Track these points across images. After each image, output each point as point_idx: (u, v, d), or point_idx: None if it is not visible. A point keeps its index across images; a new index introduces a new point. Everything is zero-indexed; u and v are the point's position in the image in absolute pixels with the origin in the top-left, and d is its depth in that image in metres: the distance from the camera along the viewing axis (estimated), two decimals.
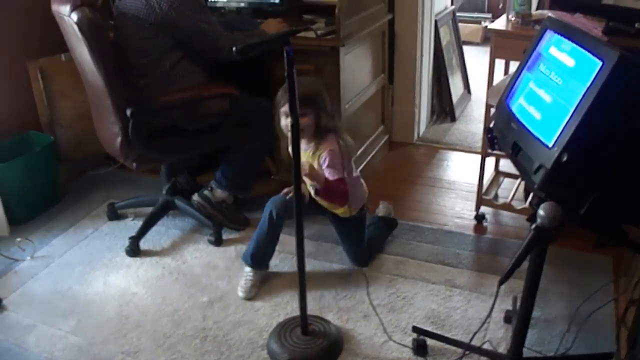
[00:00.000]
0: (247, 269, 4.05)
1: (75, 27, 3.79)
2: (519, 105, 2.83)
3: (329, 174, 3.77)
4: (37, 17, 4.88)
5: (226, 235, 4.54)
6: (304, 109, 3.48)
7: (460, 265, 4.16)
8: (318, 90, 3.75)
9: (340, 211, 4.04)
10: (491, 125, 3.09)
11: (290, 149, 3.47)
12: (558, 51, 2.70)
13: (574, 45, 2.59)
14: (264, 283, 4.08)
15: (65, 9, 3.83)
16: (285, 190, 3.92)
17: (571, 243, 4.16)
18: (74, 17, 3.77)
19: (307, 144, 3.84)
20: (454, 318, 3.70)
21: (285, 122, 3.67)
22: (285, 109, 3.60)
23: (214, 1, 5.08)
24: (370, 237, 4.30)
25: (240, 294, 3.99)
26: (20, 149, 4.90)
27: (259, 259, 4.05)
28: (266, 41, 3.15)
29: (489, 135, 3.08)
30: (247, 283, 4.01)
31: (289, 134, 3.33)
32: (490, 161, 4.74)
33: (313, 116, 3.71)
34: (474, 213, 4.61)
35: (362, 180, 4.18)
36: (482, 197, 4.58)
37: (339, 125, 3.91)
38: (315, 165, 3.79)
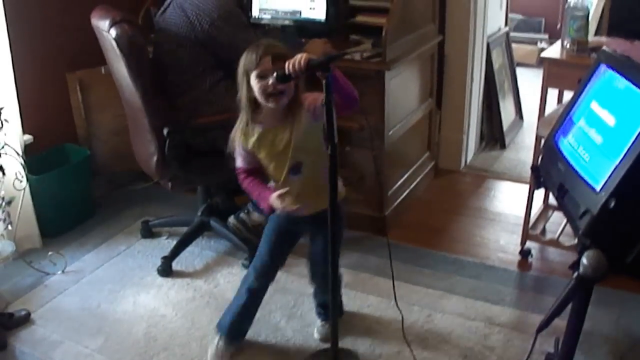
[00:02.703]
0: (218, 340, 3.65)
1: (114, 43, 3.74)
2: (568, 144, 2.72)
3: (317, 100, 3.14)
4: (77, 29, 4.81)
5: None
6: (282, 61, 2.99)
7: (502, 302, 4.02)
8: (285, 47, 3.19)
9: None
10: (538, 163, 2.98)
11: (240, 129, 3.21)
12: (611, 88, 2.58)
13: (629, 83, 2.48)
14: (297, 309, 4.01)
15: (104, 24, 3.79)
16: (277, 204, 3.18)
17: (619, 283, 3.99)
18: (113, 33, 3.73)
19: (280, 116, 3.20)
20: (491, 358, 3.58)
21: (262, 83, 3.07)
22: (263, 67, 3.05)
23: (259, 18, 4.99)
24: None
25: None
26: (56, 162, 4.88)
27: (236, 331, 3.68)
28: (308, 67, 3.05)
29: (535, 174, 2.97)
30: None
31: (269, 100, 3.07)
32: (538, 193, 4.58)
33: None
34: (519, 248, 4.45)
35: None
36: (529, 232, 4.43)
37: None
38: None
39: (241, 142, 3.24)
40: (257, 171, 3.33)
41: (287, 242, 3.59)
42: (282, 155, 3.22)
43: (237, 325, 3.60)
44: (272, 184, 3.35)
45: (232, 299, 3.65)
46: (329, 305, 3.38)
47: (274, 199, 3.15)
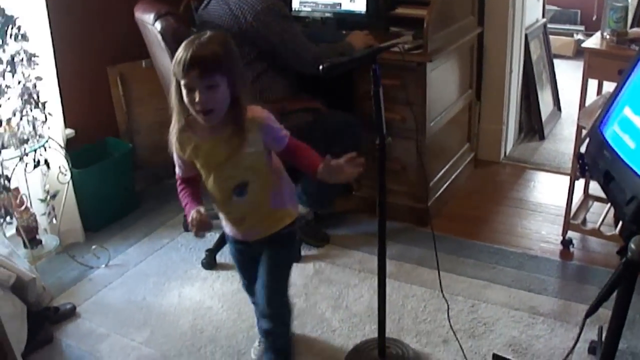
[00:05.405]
0: (259, 341, 3.62)
1: (159, 36, 3.78)
2: (613, 132, 2.71)
3: (283, 138, 2.95)
4: (118, 23, 4.89)
5: (305, 251, 4.46)
6: (213, 75, 2.65)
7: (545, 292, 4.01)
8: (228, 47, 2.78)
9: (287, 219, 3.12)
10: (583, 151, 2.97)
11: (175, 135, 2.82)
12: None
13: None
14: (342, 301, 4.02)
15: (149, 18, 3.82)
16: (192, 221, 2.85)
17: None
18: (158, 26, 3.76)
19: (220, 126, 2.80)
20: (536, 347, 3.58)
21: (190, 97, 2.68)
22: (189, 79, 2.65)
23: (298, 11, 5.01)
24: None
25: (253, 356, 3.63)
26: (97, 156, 4.92)
27: None
28: (353, 60, 3.07)
29: (580, 162, 2.96)
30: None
31: (198, 115, 2.69)
32: (579, 183, 4.57)
33: (227, 84, 2.71)
34: (561, 238, 4.44)
35: None
36: (570, 222, 4.42)
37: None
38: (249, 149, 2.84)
39: (177, 149, 2.89)
40: (194, 180, 3.02)
41: (248, 262, 3.23)
42: (222, 169, 2.89)
43: None
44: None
45: None
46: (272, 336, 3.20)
47: (192, 213, 2.82)
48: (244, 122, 2.77)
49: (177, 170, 3.01)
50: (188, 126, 2.81)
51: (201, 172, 2.94)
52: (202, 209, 2.83)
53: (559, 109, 6.84)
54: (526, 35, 5.91)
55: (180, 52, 2.66)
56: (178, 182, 3.03)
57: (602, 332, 3.41)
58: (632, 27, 4.36)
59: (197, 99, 2.64)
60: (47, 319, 3.89)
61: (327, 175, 2.86)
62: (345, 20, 4.86)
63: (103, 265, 4.46)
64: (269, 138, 2.88)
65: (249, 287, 3.32)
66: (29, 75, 3.98)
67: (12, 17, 3.84)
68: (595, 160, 2.81)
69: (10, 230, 4.27)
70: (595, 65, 4.14)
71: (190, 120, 2.79)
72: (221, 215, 3.08)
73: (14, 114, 3.96)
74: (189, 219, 2.84)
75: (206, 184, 2.96)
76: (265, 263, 3.11)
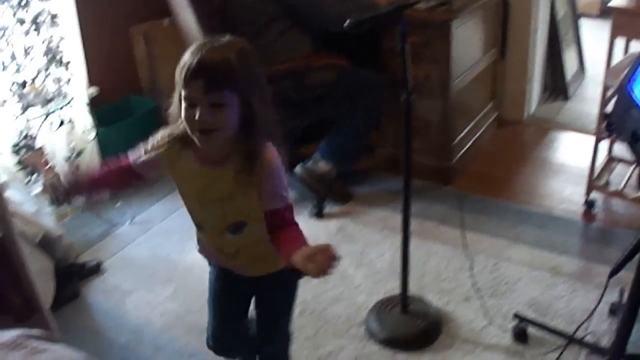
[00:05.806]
0: None
1: None
2: None
3: (281, 201, 2.36)
4: None
5: (328, 209, 4.48)
6: (221, 91, 2.16)
7: (567, 252, 4.01)
8: (247, 59, 2.25)
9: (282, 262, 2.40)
10: (609, 110, 2.96)
11: (168, 142, 2.40)
12: None
13: None
14: (365, 257, 4.04)
15: None
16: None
17: None
18: None
19: (223, 158, 2.34)
20: (556, 307, 3.60)
21: (189, 113, 2.19)
22: (191, 91, 2.16)
23: None
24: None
25: None
26: (121, 114, 4.93)
27: None
28: (378, 16, 3.06)
29: (607, 121, 2.96)
30: None
31: (194, 134, 2.22)
32: (602, 145, 4.52)
33: (237, 106, 2.21)
34: (584, 199, 4.42)
35: None
36: (593, 183, 4.40)
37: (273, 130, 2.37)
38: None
39: (155, 147, 2.45)
40: (133, 178, 2.57)
41: (228, 293, 2.80)
42: (214, 206, 2.42)
43: None
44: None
45: None
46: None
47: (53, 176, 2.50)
48: (257, 160, 2.29)
49: (132, 155, 2.52)
50: (188, 142, 2.32)
51: (182, 195, 2.53)
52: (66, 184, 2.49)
53: (583, 69, 6.80)
54: None
55: (186, 56, 2.19)
56: (119, 161, 2.56)
57: (623, 294, 3.43)
58: None
59: (196, 117, 2.16)
60: (74, 275, 3.95)
61: (301, 265, 2.11)
62: None
63: (127, 222, 4.51)
64: (264, 187, 2.33)
65: (220, 329, 2.87)
66: (52, 36, 3.99)
67: None
68: (622, 119, 2.80)
69: (37, 189, 4.30)
70: (623, 24, 4.11)
71: (192, 139, 2.27)
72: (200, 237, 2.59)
73: (38, 73, 3.98)
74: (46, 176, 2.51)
75: (186, 206, 2.56)
76: (262, 307, 2.80)
